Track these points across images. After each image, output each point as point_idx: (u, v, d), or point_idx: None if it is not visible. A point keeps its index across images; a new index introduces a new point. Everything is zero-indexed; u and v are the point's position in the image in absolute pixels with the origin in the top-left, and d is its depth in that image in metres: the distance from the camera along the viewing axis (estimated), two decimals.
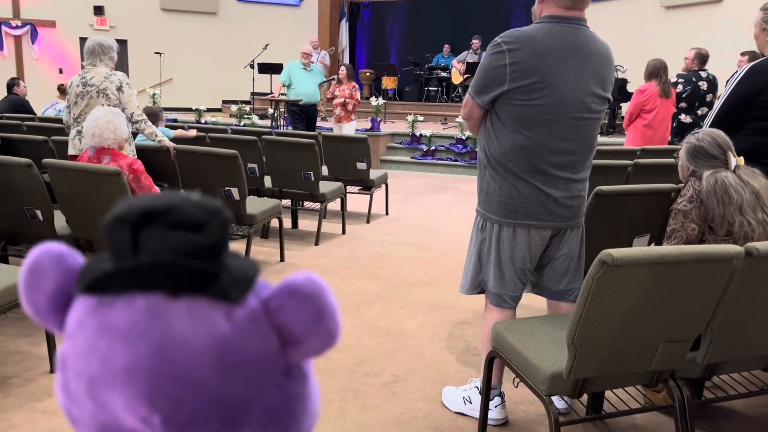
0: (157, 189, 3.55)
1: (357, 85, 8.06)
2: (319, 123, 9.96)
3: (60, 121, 5.16)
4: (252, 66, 10.78)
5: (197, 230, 0.50)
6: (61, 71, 13.01)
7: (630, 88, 8.83)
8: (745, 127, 2.70)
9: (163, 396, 0.49)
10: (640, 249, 1.76)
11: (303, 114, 7.88)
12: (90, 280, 0.52)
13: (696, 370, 2.12)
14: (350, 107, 7.80)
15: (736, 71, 2.90)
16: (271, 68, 10.61)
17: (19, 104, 7.80)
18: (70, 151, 3.97)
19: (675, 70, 5.83)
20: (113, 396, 0.50)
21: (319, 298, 0.53)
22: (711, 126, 2.74)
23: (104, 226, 0.52)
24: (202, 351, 0.49)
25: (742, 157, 2.26)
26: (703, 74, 5.54)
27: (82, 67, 4.06)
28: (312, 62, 8.18)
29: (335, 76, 7.97)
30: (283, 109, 8.95)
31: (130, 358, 0.49)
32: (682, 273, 1.80)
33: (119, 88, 3.92)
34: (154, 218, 0.50)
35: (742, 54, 6.01)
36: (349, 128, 7.89)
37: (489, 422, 2.41)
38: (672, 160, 3.12)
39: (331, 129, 9.18)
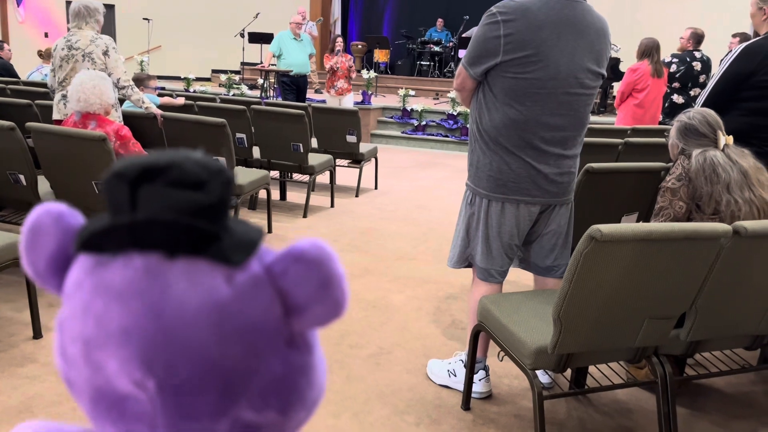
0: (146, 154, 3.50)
1: (351, 57, 8.02)
2: (311, 95, 9.89)
3: (45, 85, 5.06)
4: (242, 35, 10.62)
5: (198, 189, 0.48)
6: (46, 35, 12.75)
7: (622, 67, 8.80)
8: (737, 107, 2.69)
9: (158, 360, 0.47)
10: (629, 225, 1.76)
11: (293, 85, 7.79)
12: (86, 236, 0.50)
13: (679, 347, 2.15)
14: (353, 77, 7.77)
15: (730, 51, 2.88)
16: (261, 38, 10.46)
17: (2, 68, 7.65)
18: (55, 116, 3.89)
19: (669, 49, 5.81)
20: (108, 359, 0.48)
21: (325, 265, 0.50)
22: (703, 105, 2.74)
23: (103, 183, 0.50)
24: (199, 314, 0.48)
25: (731, 136, 2.26)
26: (697, 55, 5.52)
27: (68, 29, 3.97)
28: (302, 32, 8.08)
29: (339, 49, 7.84)
30: (273, 80, 8.84)
31: (126, 319, 0.48)
32: (669, 250, 1.80)
33: (105, 53, 3.84)
34: (154, 175, 0.48)
35: (734, 35, 5.99)
36: (349, 101, 7.84)
37: (473, 395, 2.43)
38: (662, 140, 3.11)
39: (323, 101, 9.11)
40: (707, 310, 2.02)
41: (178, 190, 0.48)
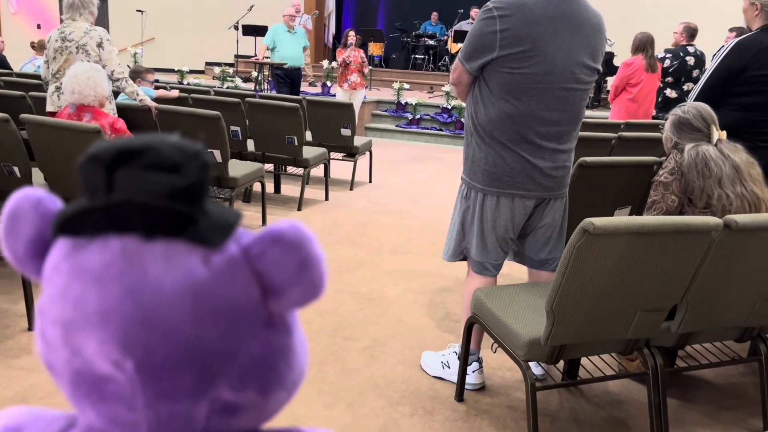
0: None
1: (363, 51, 8.03)
2: (305, 88, 9.87)
3: (38, 77, 5.03)
4: (236, 28, 10.56)
5: (174, 171, 0.48)
6: (39, 27, 12.65)
7: (617, 62, 8.82)
8: (729, 102, 2.71)
9: (136, 340, 0.48)
10: (621, 218, 1.78)
11: (287, 78, 7.76)
12: (62, 220, 0.50)
13: (670, 339, 2.17)
14: (366, 72, 7.76)
15: (723, 46, 2.90)
16: (255, 30, 10.39)
17: None
18: (49, 108, 3.88)
19: (663, 44, 5.83)
20: (87, 341, 0.49)
21: (303, 246, 0.50)
22: (695, 100, 2.76)
23: (79, 166, 0.50)
24: (176, 296, 0.48)
25: (724, 132, 2.28)
26: (690, 49, 5.54)
27: (61, 21, 3.95)
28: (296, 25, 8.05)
29: (351, 43, 7.79)
30: (267, 73, 8.81)
31: (104, 302, 0.48)
32: (661, 243, 1.82)
33: (99, 44, 3.82)
34: (130, 158, 0.48)
35: (730, 30, 6.01)
36: (361, 96, 7.84)
37: (466, 387, 2.45)
38: (655, 134, 3.13)
39: (318, 94, 9.08)
40: (698, 302, 2.04)
41: (154, 173, 0.48)
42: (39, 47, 7.72)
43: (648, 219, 1.81)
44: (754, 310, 2.15)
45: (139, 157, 0.48)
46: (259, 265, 0.51)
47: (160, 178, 0.48)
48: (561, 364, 2.49)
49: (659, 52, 5.56)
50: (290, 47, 7.71)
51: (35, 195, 0.54)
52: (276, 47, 7.72)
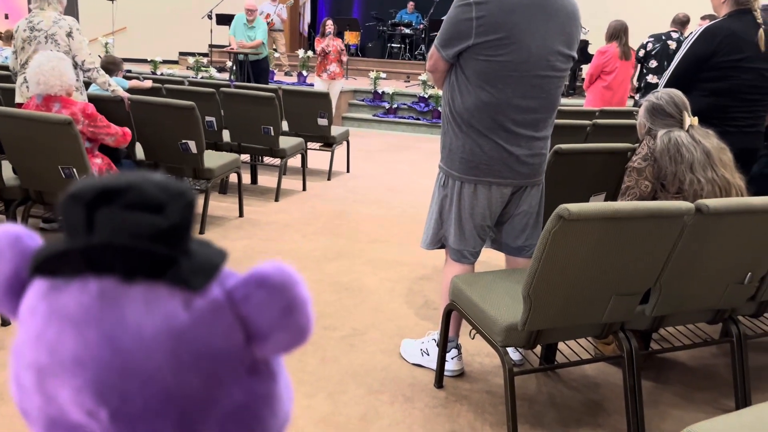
0: (116, 128, 3.41)
1: (341, 40, 8.01)
2: (282, 78, 9.78)
3: (6, 68, 4.92)
4: (210, 16, 10.42)
5: (157, 211, 0.47)
6: (6, 17, 12.35)
7: (591, 50, 8.89)
8: (698, 88, 2.74)
9: (112, 389, 0.46)
10: (596, 204, 1.80)
11: (242, 69, 7.68)
12: (40, 260, 0.48)
13: (644, 322, 2.21)
14: (345, 60, 7.75)
15: (691, 32, 2.94)
16: (229, 19, 10.24)
17: None
18: (18, 99, 3.81)
19: (636, 32, 5.90)
20: (61, 387, 0.47)
21: (288, 290, 0.49)
22: (666, 86, 2.79)
23: (59, 205, 0.48)
24: (155, 341, 0.46)
25: (696, 118, 2.32)
26: (674, 35, 5.64)
27: (29, 10, 3.86)
28: (264, 18, 7.99)
29: (330, 32, 7.72)
30: None
31: (79, 348, 0.46)
32: (634, 228, 1.85)
33: (69, 34, 3.75)
34: (111, 197, 0.47)
35: (702, 18, 6.10)
36: (340, 85, 7.79)
37: (446, 373, 2.47)
38: (629, 121, 3.16)
39: (295, 84, 9.00)
40: (671, 285, 2.08)
41: (135, 213, 0.46)
42: (6, 38, 7.54)
43: (621, 204, 1.83)
44: (726, 293, 2.20)
45: (121, 196, 0.47)
46: (243, 310, 0.49)
47: (141, 218, 0.47)
48: (538, 349, 2.52)
49: (643, 37, 5.66)
50: (241, 39, 7.63)
51: (14, 232, 0.52)
52: (235, 38, 7.69)
